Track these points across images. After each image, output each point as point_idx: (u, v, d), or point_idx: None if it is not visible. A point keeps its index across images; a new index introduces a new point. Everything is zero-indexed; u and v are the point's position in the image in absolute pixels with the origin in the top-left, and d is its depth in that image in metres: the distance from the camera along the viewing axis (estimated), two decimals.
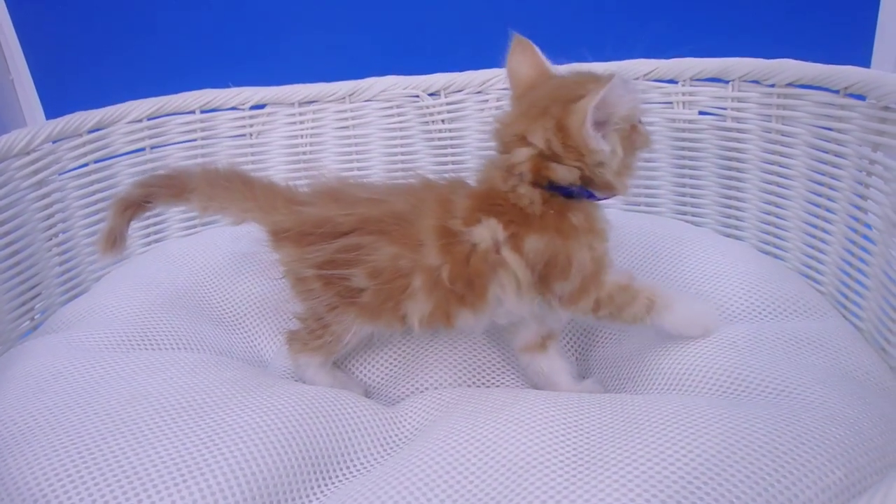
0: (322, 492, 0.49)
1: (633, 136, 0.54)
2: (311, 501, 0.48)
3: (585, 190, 0.54)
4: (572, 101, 0.51)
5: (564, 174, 0.53)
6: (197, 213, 0.68)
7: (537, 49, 0.58)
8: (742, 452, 0.43)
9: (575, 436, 0.47)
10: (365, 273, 0.56)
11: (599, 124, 0.51)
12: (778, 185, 0.77)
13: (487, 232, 0.53)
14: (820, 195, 0.72)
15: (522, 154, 0.53)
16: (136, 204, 0.65)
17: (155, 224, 0.91)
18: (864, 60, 1.01)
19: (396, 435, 0.55)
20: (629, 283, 0.56)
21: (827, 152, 0.70)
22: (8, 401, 0.55)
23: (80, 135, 0.83)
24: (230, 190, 0.63)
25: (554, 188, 0.54)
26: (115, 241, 0.65)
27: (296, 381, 0.64)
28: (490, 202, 0.54)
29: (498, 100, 0.89)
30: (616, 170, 0.53)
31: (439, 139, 0.92)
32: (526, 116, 0.54)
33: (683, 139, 0.85)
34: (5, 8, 1.08)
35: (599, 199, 0.56)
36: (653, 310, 0.55)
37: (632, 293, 0.55)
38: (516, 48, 0.58)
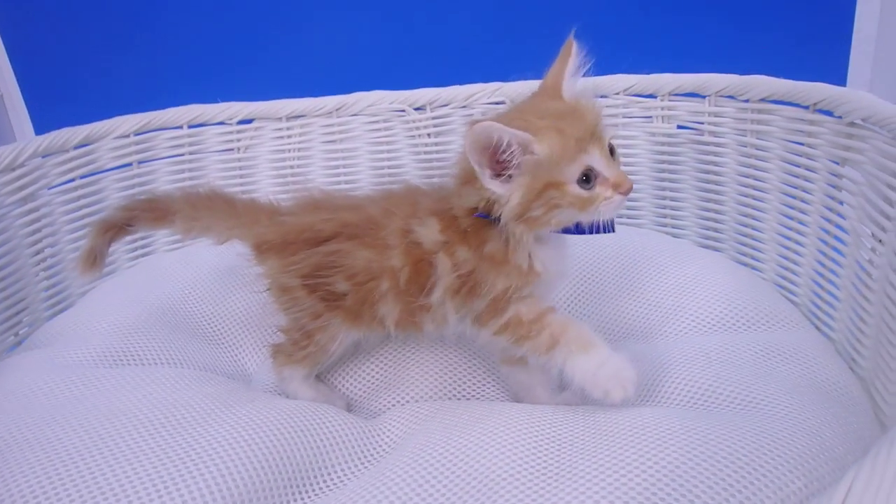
0: None
1: (549, 193, 0.50)
2: None
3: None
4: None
5: (467, 195, 0.54)
6: (181, 236, 0.69)
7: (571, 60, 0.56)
8: (706, 463, 0.45)
9: (547, 448, 0.49)
10: (344, 277, 0.58)
11: (492, 164, 0.50)
12: (754, 197, 0.79)
13: (427, 231, 0.56)
14: (793, 208, 0.74)
15: (456, 168, 0.56)
16: (117, 226, 0.68)
17: (142, 238, 0.93)
18: (840, 78, 1.05)
19: (374, 448, 0.56)
20: (538, 317, 0.54)
21: (799, 166, 0.72)
22: None
23: (67, 150, 0.85)
24: (212, 209, 0.65)
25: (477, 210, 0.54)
26: (94, 260, 0.67)
27: (278, 395, 0.65)
28: (442, 207, 0.56)
29: (483, 114, 0.90)
30: (514, 215, 0.51)
31: (426, 153, 0.94)
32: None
33: (663, 153, 0.87)
34: None
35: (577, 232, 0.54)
36: (554, 350, 0.53)
37: (536, 327, 0.54)
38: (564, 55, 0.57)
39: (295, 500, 0.50)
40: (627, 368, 0.51)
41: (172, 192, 0.68)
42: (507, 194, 0.51)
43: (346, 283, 0.58)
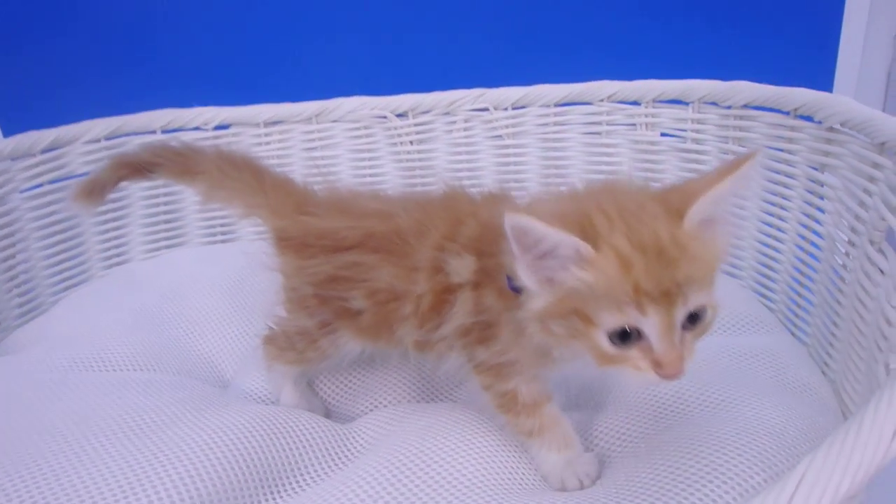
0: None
1: (572, 321, 0.41)
2: None
3: None
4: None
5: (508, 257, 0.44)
6: (201, 199, 0.63)
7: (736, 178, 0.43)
8: (668, 463, 0.48)
9: (519, 458, 0.53)
10: (363, 294, 0.54)
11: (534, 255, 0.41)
12: (734, 205, 0.81)
13: (461, 266, 0.50)
14: (772, 215, 0.76)
15: None
16: (135, 166, 0.63)
17: (117, 246, 0.94)
18: (827, 84, 1.08)
19: (348, 450, 0.58)
20: (535, 405, 0.52)
21: (779, 173, 0.75)
22: None
23: (34, 154, 0.85)
24: (239, 181, 0.61)
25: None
26: (91, 192, 0.62)
27: (254, 401, 0.67)
28: (488, 241, 0.48)
29: (466, 121, 0.92)
30: (532, 317, 0.43)
31: (408, 160, 0.95)
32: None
33: (646, 160, 0.90)
34: None
35: None
36: (533, 439, 0.52)
37: (527, 412, 0.52)
38: None
39: (266, 500, 0.52)
40: (591, 466, 0.52)
41: (205, 149, 0.63)
42: (535, 293, 0.42)
43: (363, 299, 0.55)
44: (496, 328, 0.49)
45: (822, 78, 1.08)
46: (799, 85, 0.73)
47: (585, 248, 0.39)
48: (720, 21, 1.08)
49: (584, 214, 0.41)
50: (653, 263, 0.38)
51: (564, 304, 0.41)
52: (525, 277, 0.41)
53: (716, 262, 0.41)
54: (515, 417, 0.53)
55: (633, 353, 0.40)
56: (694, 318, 0.41)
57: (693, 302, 0.40)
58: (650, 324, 0.39)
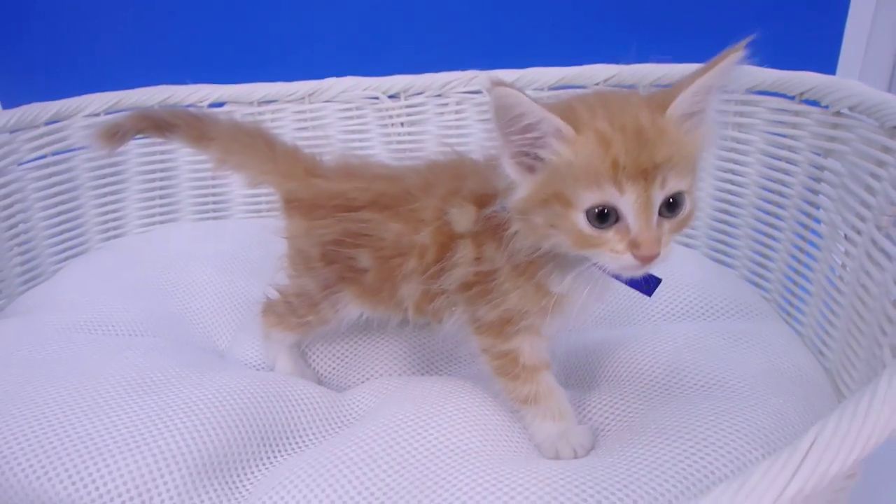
0: (270, 462, 0.52)
1: (552, 206, 0.41)
2: (258, 469, 0.51)
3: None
4: None
5: (496, 177, 0.44)
6: (213, 164, 0.62)
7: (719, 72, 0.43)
8: (668, 440, 0.46)
9: (512, 427, 0.52)
10: (370, 252, 0.55)
11: (516, 144, 0.41)
12: (730, 192, 0.79)
13: (462, 216, 0.50)
14: (770, 203, 0.73)
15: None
16: (156, 122, 0.63)
17: (115, 219, 0.92)
18: (829, 68, 0.98)
19: (344, 415, 0.58)
20: (534, 368, 0.51)
21: (779, 160, 0.71)
22: None
23: (37, 126, 0.84)
24: (252, 148, 0.60)
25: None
26: (113, 136, 0.62)
27: (251, 368, 0.66)
28: (486, 194, 0.48)
29: (458, 103, 0.90)
30: (517, 209, 0.43)
31: (398, 142, 0.93)
32: None
33: None
34: None
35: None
36: (529, 406, 0.51)
37: (526, 376, 0.50)
38: None
39: (267, 456, 0.52)
40: (586, 437, 0.51)
41: (219, 117, 0.64)
42: (518, 182, 0.42)
43: (369, 258, 0.55)
44: (495, 277, 0.49)
45: (825, 62, 0.98)
46: (800, 68, 0.68)
47: (567, 128, 0.39)
48: (720, 3, 0.98)
49: (568, 105, 0.41)
50: (631, 142, 0.38)
51: (545, 189, 0.41)
52: (508, 166, 0.41)
53: (696, 152, 0.41)
54: (513, 382, 0.52)
55: (611, 234, 0.40)
56: (672, 207, 0.40)
57: (671, 186, 0.39)
58: (627, 202, 0.39)
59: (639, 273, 0.41)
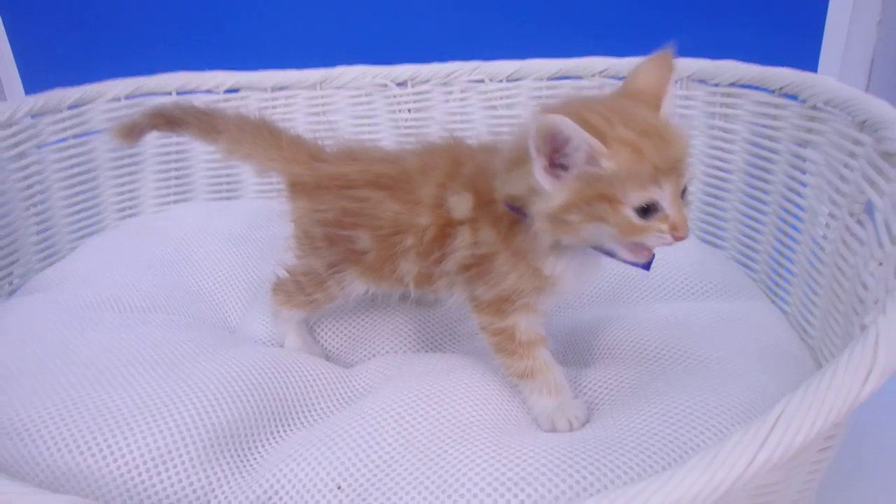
0: (281, 434, 0.53)
1: (598, 206, 0.45)
2: (270, 441, 0.52)
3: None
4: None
5: (513, 182, 0.48)
6: (222, 155, 0.66)
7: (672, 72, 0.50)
8: (654, 412, 0.49)
9: (511, 401, 0.54)
10: (369, 231, 0.56)
11: (550, 157, 0.45)
12: (719, 178, 0.82)
13: (460, 203, 0.53)
14: (756, 188, 0.76)
15: (510, 148, 0.51)
16: (168, 118, 0.66)
17: (131, 199, 0.94)
18: (812, 64, 1.05)
19: (352, 390, 0.60)
20: (530, 344, 0.54)
21: (763, 148, 0.75)
22: None
23: (61, 110, 0.86)
24: (258, 138, 0.63)
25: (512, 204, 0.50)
26: (130, 132, 0.66)
27: (262, 344, 0.67)
28: (482, 179, 0.52)
29: (462, 91, 0.92)
30: (549, 214, 0.46)
31: (405, 127, 0.95)
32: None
33: None
34: None
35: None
36: (526, 380, 0.53)
37: (522, 351, 0.53)
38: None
39: (278, 430, 0.54)
40: (581, 410, 0.53)
41: (226, 111, 0.67)
42: (552, 191, 0.45)
43: (369, 238, 0.57)
44: (492, 260, 0.52)
45: (807, 60, 1.04)
46: (784, 64, 0.72)
47: (598, 144, 0.43)
48: (707, 2, 1.04)
49: (581, 118, 0.44)
50: (658, 145, 0.44)
51: (586, 193, 0.45)
52: (542, 178, 0.45)
53: (688, 146, 0.46)
54: (510, 357, 0.54)
55: (654, 222, 0.45)
56: (683, 191, 0.46)
57: (686, 175, 0.46)
58: (665, 195, 0.44)
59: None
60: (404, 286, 0.59)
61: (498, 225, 0.51)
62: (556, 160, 0.44)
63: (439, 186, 0.54)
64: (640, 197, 0.44)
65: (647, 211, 0.44)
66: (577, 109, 0.45)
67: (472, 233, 0.52)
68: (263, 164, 0.63)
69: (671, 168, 0.44)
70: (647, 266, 0.49)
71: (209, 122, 0.65)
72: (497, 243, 0.51)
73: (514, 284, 0.51)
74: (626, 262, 0.49)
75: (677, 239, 0.45)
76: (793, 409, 0.33)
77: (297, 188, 0.61)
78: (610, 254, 0.49)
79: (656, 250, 0.48)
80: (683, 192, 0.46)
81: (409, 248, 0.55)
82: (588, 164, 0.43)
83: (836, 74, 1.04)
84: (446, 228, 0.53)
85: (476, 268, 0.53)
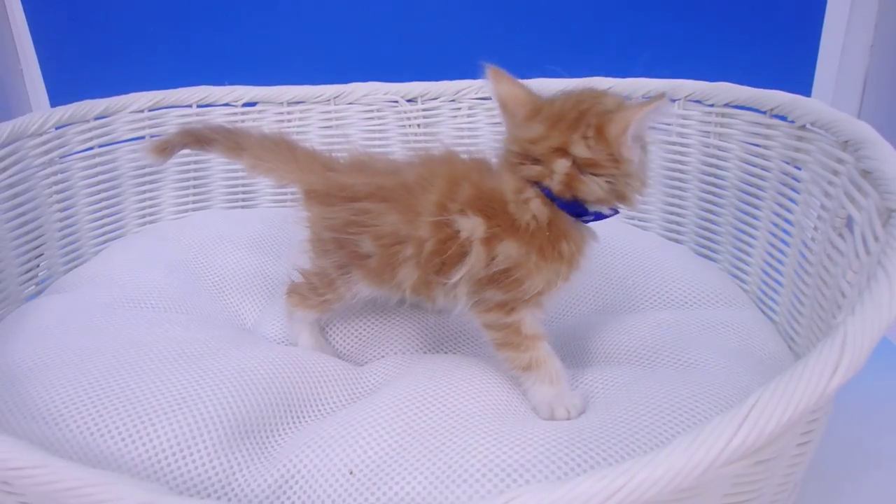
0: (295, 425, 0.57)
1: (645, 153, 0.56)
2: (285, 432, 0.56)
3: (598, 212, 0.56)
4: (606, 112, 0.53)
5: (595, 188, 0.54)
6: (247, 171, 0.71)
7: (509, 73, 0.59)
8: (643, 408, 0.52)
9: (512, 393, 0.58)
10: (371, 239, 0.60)
11: (635, 137, 0.53)
12: (714, 194, 0.85)
13: (470, 225, 0.55)
14: (748, 204, 0.79)
15: (563, 165, 0.54)
16: (197, 137, 0.71)
17: (151, 206, 0.98)
18: (806, 88, 1.10)
19: (362, 386, 0.63)
20: (534, 337, 0.57)
21: (755, 166, 0.78)
22: (21, 344, 0.63)
23: (87, 121, 0.90)
24: (277, 153, 0.67)
25: (567, 206, 0.55)
26: (164, 150, 0.71)
27: (277, 343, 0.71)
28: (487, 203, 0.55)
29: (470, 108, 0.96)
30: (637, 183, 0.55)
31: (415, 142, 0.99)
32: (557, 129, 0.54)
33: None
34: (20, 3, 1.14)
35: (605, 217, 0.57)
36: (528, 372, 0.57)
37: (526, 344, 0.57)
38: (496, 77, 0.59)
39: (293, 421, 0.57)
40: (578, 400, 0.56)
41: (250, 130, 0.72)
42: (639, 160, 0.54)
43: (372, 244, 0.60)
44: (518, 270, 0.54)
45: (802, 83, 1.09)
46: (781, 87, 0.75)
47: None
48: (708, 26, 1.10)
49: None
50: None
51: (644, 149, 0.55)
52: (635, 153, 0.53)
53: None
54: (515, 351, 0.57)
55: None
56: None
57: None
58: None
59: None
60: (401, 291, 0.62)
61: (528, 242, 0.54)
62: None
63: (438, 203, 0.56)
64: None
65: None
66: (592, 107, 0.55)
67: (488, 250, 0.55)
68: (283, 177, 0.67)
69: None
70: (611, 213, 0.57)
71: (234, 141, 0.69)
72: (526, 254, 0.54)
73: (538, 286, 0.55)
74: (607, 214, 0.56)
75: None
76: (766, 399, 0.36)
77: (311, 196, 0.65)
78: (599, 216, 0.56)
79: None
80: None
81: (408, 258, 0.58)
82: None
83: (830, 95, 1.08)
84: (448, 242, 0.56)
85: (494, 280, 0.55)
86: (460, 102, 0.96)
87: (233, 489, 0.50)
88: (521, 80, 0.59)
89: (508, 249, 0.54)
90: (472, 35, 1.10)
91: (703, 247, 0.87)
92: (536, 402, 0.56)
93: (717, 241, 0.85)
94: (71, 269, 0.87)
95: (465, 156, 0.61)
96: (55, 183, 0.86)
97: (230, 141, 0.70)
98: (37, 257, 0.84)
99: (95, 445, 0.50)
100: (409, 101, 0.97)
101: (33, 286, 0.83)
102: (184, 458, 0.50)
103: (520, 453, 0.48)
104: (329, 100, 0.98)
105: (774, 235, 0.75)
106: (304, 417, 0.58)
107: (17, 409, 0.53)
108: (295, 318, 0.69)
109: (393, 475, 0.48)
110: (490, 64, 0.57)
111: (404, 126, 0.98)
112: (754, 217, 0.78)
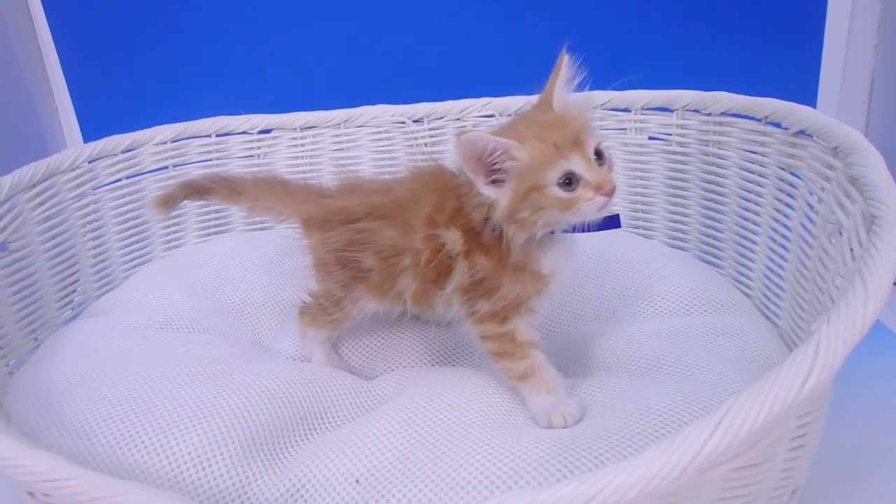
0: (308, 437, 0.60)
1: (533, 196, 0.53)
2: (299, 443, 0.59)
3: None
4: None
5: (477, 207, 0.57)
6: (245, 212, 0.76)
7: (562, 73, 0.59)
8: (639, 414, 0.54)
9: (511, 403, 0.60)
10: (371, 254, 0.63)
11: (485, 171, 0.53)
12: (715, 201, 0.85)
13: (451, 238, 0.59)
14: (748, 210, 0.79)
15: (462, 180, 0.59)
16: (196, 188, 0.75)
17: (176, 232, 1.02)
18: (811, 92, 1.09)
19: (371, 399, 0.66)
20: (528, 345, 0.59)
21: (753, 173, 0.78)
22: (60, 364, 0.67)
23: (115, 154, 0.94)
24: (272, 193, 0.71)
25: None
26: (165, 203, 0.75)
27: (292, 359, 0.74)
28: (461, 216, 0.59)
29: (474, 126, 0.98)
30: (504, 216, 0.54)
31: (423, 161, 1.00)
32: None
33: (636, 161, 0.94)
34: (52, 44, 1.21)
35: (604, 228, 0.57)
36: (524, 380, 0.58)
37: (521, 352, 0.59)
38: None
39: (305, 433, 0.60)
40: (575, 408, 0.57)
41: (244, 175, 0.76)
42: (498, 198, 0.54)
43: (372, 259, 0.63)
44: (494, 279, 0.58)
45: (807, 86, 1.09)
46: (785, 93, 0.75)
47: (513, 143, 0.53)
48: (709, 35, 1.10)
49: (504, 129, 0.56)
50: (552, 131, 0.53)
51: (521, 188, 0.53)
52: (486, 190, 0.54)
53: (585, 121, 0.55)
54: (510, 360, 0.59)
55: (580, 191, 0.53)
56: (599, 156, 0.54)
57: (590, 142, 0.54)
58: (576, 162, 0.52)
59: (607, 209, 0.53)
60: (403, 302, 0.65)
61: (489, 251, 0.58)
62: (491, 173, 0.53)
63: (428, 218, 0.60)
64: (555, 173, 0.52)
65: (570, 183, 0.52)
66: (506, 124, 0.57)
67: (468, 262, 0.59)
68: (281, 212, 0.71)
69: (572, 141, 0.52)
70: (617, 224, 0.57)
71: (230, 187, 0.74)
72: (493, 265, 0.58)
73: (519, 294, 0.57)
74: (600, 228, 0.56)
75: (606, 194, 0.52)
76: (740, 405, 0.38)
77: (310, 224, 0.69)
78: (585, 229, 0.56)
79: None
80: (600, 157, 0.54)
81: (407, 267, 0.62)
82: (510, 161, 0.52)
83: (835, 101, 1.07)
84: (439, 253, 0.59)
85: (476, 290, 0.59)
86: (465, 120, 0.98)
87: (248, 498, 0.52)
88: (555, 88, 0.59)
89: (482, 261, 0.58)
90: (473, 58, 1.13)
91: (707, 254, 0.87)
92: (534, 410, 0.58)
93: (721, 247, 0.85)
94: (103, 294, 0.91)
95: (453, 169, 0.63)
96: (87, 214, 0.91)
97: (226, 188, 0.74)
98: (72, 283, 0.88)
99: (123, 458, 0.54)
100: (415, 121, 1.00)
101: (70, 311, 0.87)
102: (203, 469, 0.53)
103: (515, 461, 0.49)
104: (339, 123, 1.01)
105: (774, 241, 0.75)
106: (315, 429, 0.60)
107: (54, 427, 0.57)
108: (307, 337, 0.72)
109: (396, 483, 0.50)
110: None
111: (412, 146, 1.01)
112: (755, 223, 0.78)
